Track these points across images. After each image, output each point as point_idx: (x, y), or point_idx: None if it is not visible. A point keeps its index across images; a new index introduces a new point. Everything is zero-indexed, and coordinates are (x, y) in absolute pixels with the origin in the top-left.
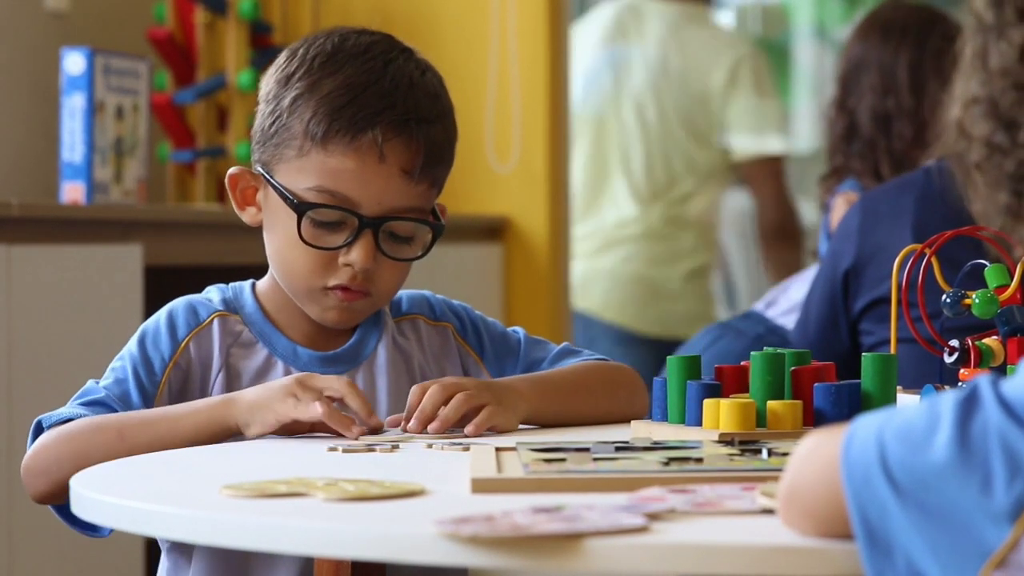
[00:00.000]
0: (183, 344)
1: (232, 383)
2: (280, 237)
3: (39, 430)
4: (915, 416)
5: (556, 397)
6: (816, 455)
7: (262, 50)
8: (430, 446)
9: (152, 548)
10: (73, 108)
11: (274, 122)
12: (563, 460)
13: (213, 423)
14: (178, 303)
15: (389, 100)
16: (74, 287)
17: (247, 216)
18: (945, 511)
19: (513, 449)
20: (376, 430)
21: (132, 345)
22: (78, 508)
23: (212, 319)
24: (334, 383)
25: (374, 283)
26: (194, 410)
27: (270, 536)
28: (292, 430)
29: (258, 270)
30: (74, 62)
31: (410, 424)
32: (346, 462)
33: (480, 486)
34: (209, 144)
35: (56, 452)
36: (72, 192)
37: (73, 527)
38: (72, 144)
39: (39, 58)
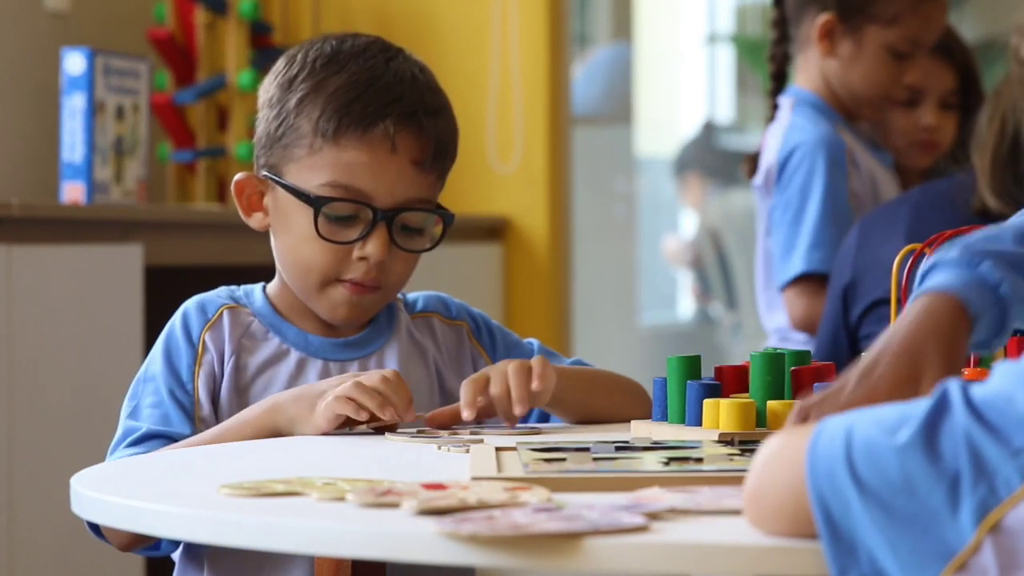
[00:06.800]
0: (200, 343)
1: (239, 373)
2: (294, 236)
3: None
4: (885, 417)
5: (578, 385)
6: (782, 453)
7: (262, 50)
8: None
9: None
10: (73, 108)
11: (280, 124)
12: (563, 460)
13: (261, 435)
14: (188, 304)
15: (396, 93)
16: (74, 287)
17: (254, 222)
18: (908, 511)
19: (513, 449)
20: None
21: (157, 363)
22: (78, 507)
23: (221, 312)
24: (371, 377)
25: (386, 275)
26: (241, 423)
27: (270, 536)
28: (348, 423)
29: (258, 270)
30: (74, 62)
31: (464, 415)
32: (346, 462)
33: None
34: (209, 144)
35: None
36: (72, 192)
37: (153, 553)
38: (72, 144)
39: (39, 58)
